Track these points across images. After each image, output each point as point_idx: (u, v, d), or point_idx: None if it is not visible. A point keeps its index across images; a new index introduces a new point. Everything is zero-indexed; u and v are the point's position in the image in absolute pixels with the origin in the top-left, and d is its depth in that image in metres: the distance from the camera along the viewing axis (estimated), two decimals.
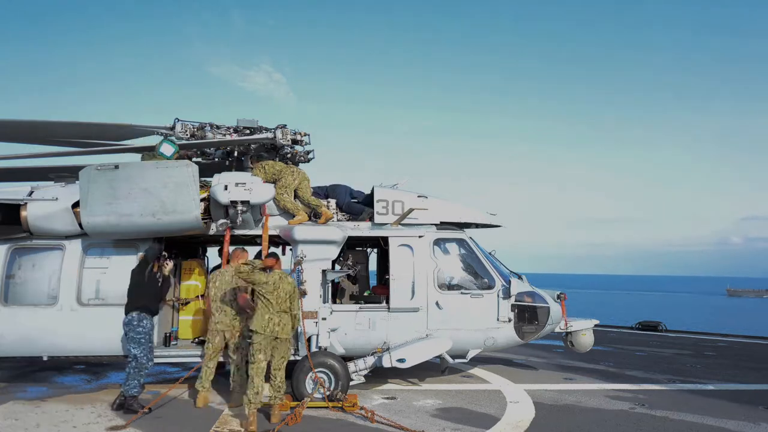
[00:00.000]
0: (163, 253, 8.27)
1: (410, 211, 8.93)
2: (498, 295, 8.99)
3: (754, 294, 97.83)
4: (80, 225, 8.15)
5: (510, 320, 8.99)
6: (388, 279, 8.94)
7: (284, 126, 9.38)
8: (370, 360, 8.61)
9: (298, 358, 8.47)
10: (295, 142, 9.47)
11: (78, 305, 8.22)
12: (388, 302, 8.84)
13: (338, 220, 9.41)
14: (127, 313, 7.61)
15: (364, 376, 8.70)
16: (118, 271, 8.39)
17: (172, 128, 9.44)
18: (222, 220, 8.49)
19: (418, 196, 9.25)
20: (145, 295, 7.71)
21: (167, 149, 8.30)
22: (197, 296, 9.59)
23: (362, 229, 9.16)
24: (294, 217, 8.99)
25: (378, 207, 9.13)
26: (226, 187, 8.22)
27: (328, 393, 7.83)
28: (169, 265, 8.13)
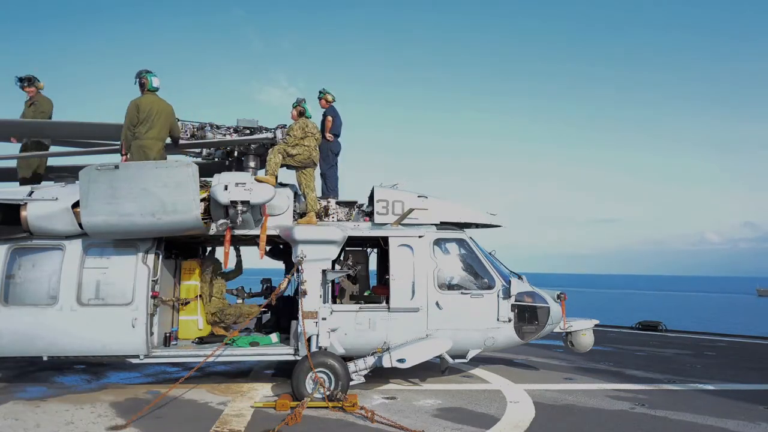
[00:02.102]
0: None
1: (410, 211, 8.94)
2: (498, 295, 8.99)
3: None
4: (80, 225, 8.14)
5: (510, 320, 9.00)
6: (388, 279, 8.94)
7: (284, 126, 9.39)
8: (370, 360, 8.60)
9: (298, 358, 8.49)
10: None
11: (78, 305, 8.20)
12: (388, 302, 8.84)
13: (338, 220, 9.44)
14: None
15: (364, 376, 8.69)
16: (118, 271, 8.40)
17: None
18: (222, 220, 8.48)
19: (418, 196, 9.26)
20: None
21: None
22: (197, 296, 9.60)
23: (362, 229, 9.17)
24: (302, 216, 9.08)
25: (378, 207, 9.14)
26: (226, 187, 8.21)
27: (328, 393, 7.83)
28: None
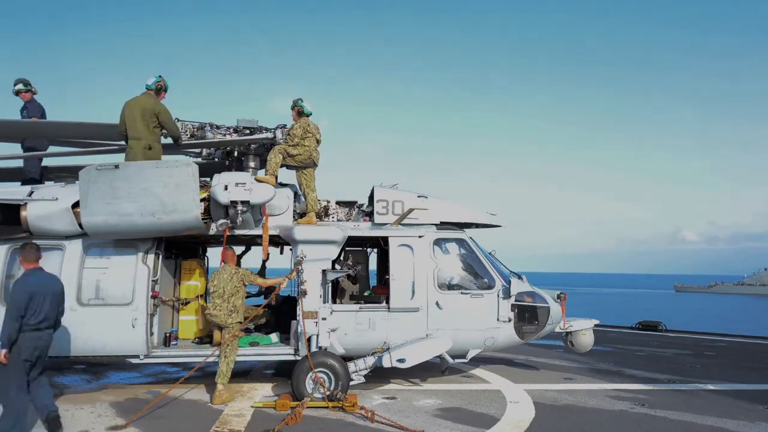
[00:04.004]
0: None
1: (410, 211, 8.94)
2: (498, 295, 8.99)
3: (699, 289, 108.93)
4: (80, 225, 8.14)
5: (510, 320, 9.00)
6: (388, 279, 8.94)
7: (284, 126, 9.38)
8: (370, 360, 8.60)
9: (298, 358, 8.49)
10: None
11: (78, 305, 8.19)
12: (388, 302, 8.83)
13: (338, 220, 9.44)
14: None
15: (365, 376, 8.70)
16: (118, 271, 8.39)
17: None
18: (222, 220, 8.48)
19: (418, 196, 9.26)
20: None
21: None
22: (197, 296, 9.59)
23: (362, 229, 9.17)
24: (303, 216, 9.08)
25: (378, 207, 9.14)
26: (226, 187, 8.21)
27: (328, 393, 7.83)
28: None
